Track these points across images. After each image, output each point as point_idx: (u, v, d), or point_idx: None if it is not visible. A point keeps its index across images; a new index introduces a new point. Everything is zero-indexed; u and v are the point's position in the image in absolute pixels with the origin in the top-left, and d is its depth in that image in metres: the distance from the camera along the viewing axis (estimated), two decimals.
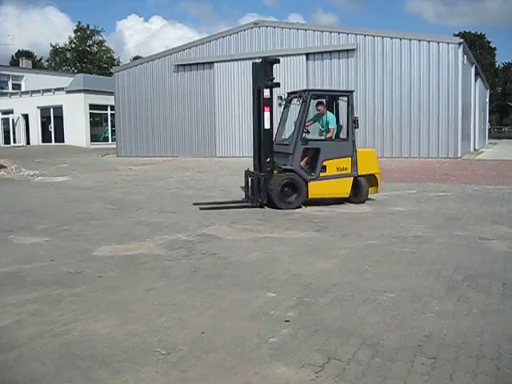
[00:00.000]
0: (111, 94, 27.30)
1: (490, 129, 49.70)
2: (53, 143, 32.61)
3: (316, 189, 9.50)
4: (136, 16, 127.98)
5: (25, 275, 5.00)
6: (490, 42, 68.01)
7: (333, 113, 10.26)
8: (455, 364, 3.06)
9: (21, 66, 45.79)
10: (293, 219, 8.23)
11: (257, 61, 10.26)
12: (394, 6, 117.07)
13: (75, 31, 63.53)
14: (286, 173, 9.42)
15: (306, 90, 10.08)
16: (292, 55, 21.67)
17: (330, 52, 21.04)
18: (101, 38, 64.78)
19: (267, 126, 9.41)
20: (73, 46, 63.36)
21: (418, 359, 3.12)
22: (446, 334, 3.50)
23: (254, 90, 9.74)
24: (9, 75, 40.90)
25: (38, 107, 33.39)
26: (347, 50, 20.68)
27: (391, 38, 20.07)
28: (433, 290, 4.47)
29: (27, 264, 5.41)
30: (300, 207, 9.28)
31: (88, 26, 63.27)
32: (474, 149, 26.15)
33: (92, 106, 32.10)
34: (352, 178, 9.68)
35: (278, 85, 9.59)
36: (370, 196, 10.14)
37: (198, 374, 2.97)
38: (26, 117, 34.31)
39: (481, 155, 22.70)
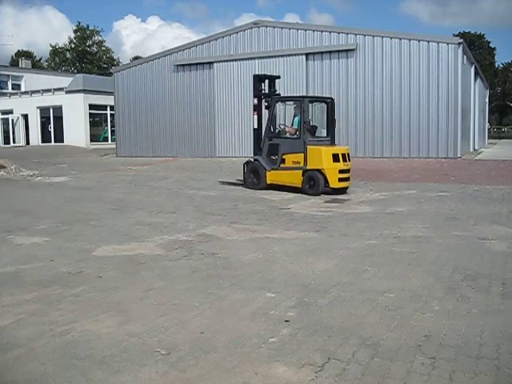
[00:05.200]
0: (111, 94, 27.28)
1: (489, 129, 49.69)
2: (52, 143, 32.58)
3: (273, 176, 11.98)
4: (133, 16, 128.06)
5: (24, 275, 5.00)
6: (489, 42, 68.08)
7: (301, 115, 11.72)
8: (455, 364, 3.06)
9: (20, 66, 45.73)
10: (292, 219, 8.23)
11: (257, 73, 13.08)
12: (388, 7, 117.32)
13: (75, 31, 63.54)
14: (254, 162, 12.42)
15: (270, 97, 12.44)
16: (292, 55, 21.66)
17: (330, 52, 21.03)
18: (100, 38, 64.83)
19: (255, 126, 12.50)
20: (72, 46, 63.34)
21: (418, 359, 3.12)
22: (445, 333, 3.50)
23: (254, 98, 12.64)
24: (8, 75, 40.85)
25: (38, 107, 33.36)
26: (347, 50, 20.66)
27: (391, 37, 20.06)
28: (432, 290, 4.47)
29: (27, 264, 5.41)
30: (266, 189, 11.87)
31: (88, 26, 63.30)
32: (474, 149, 26.15)
33: (92, 106, 32.07)
34: (302, 170, 11.41)
35: (268, 95, 12.47)
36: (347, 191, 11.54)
37: (198, 374, 2.97)
38: (25, 117, 34.28)
39: (480, 155, 22.70)
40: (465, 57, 20.96)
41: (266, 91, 12.71)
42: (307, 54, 21.44)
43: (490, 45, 68.07)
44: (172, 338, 3.47)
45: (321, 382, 2.87)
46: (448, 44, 19.32)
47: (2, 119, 36.01)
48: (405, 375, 2.93)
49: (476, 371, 2.97)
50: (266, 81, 12.89)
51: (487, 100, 39.82)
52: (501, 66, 71.16)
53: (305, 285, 4.63)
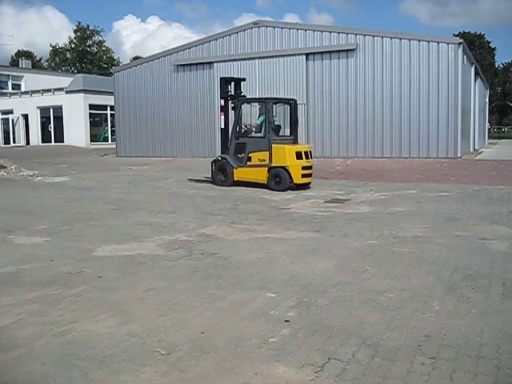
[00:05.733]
0: (111, 94, 27.27)
1: (489, 129, 49.67)
2: (52, 143, 32.57)
3: (240, 174, 12.66)
4: (133, 16, 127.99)
5: (24, 275, 5.00)
6: (489, 42, 68.02)
7: (266, 115, 12.51)
8: (455, 364, 3.06)
9: (20, 66, 45.72)
10: (292, 219, 8.23)
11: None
12: (387, 7, 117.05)
13: (75, 31, 63.52)
14: (221, 160, 13.08)
15: (236, 98, 13.16)
16: (292, 55, 21.66)
17: (330, 52, 21.03)
18: (100, 39, 64.81)
19: (222, 126, 13.25)
20: (72, 46, 63.33)
21: (418, 359, 3.12)
22: (445, 333, 3.50)
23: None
24: (8, 75, 40.84)
25: (38, 107, 33.35)
26: (347, 50, 20.66)
27: (391, 37, 20.06)
28: (432, 290, 4.47)
29: (27, 264, 5.41)
30: (233, 186, 12.53)
31: (88, 26, 63.28)
32: (474, 149, 26.14)
33: (92, 106, 32.06)
34: (267, 167, 12.14)
35: (234, 96, 13.27)
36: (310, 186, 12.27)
37: (198, 374, 2.97)
38: (25, 117, 34.28)
39: (480, 155, 22.69)
40: (465, 57, 20.95)
41: (233, 93, 13.51)
42: (307, 54, 21.44)
43: (490, 45, 68.07)
44: (172, 338, 3.47)
45: (321, 382, 2.87)
46: (448, 44, 19.32)
47: (2, 119, 36.01)
48: (405, 375, 2.93)
49: (476, 371, 2.97)
50: (233, 83, 13.78)
51: (487, 100, 39.81)
52: (501, 66, 71.18)
53: (305, 285, 4.63)
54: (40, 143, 33.45)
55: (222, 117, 13.25)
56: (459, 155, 19.47)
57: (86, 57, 62.87)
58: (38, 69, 50.09)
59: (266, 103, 12.50)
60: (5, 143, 35.47)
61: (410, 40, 19.77)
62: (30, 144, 33.87)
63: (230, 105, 13.27)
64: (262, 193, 11.65)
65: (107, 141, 33.07)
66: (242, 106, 12.94)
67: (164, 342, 3.41)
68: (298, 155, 12.09)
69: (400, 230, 7.18)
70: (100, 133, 34.22)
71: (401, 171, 15.85)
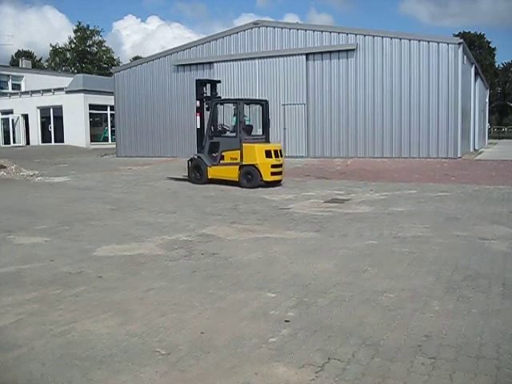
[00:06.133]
0: (111, 94, 27.28)
1: (489, 129, 49.66)
2: (52, 143, 32.57)
3: (214, 172, 13.22)
4: (133, 16, 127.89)
5: (24, 275, 5.00)
6: (489, 43, 67.99)
7: (238, 115, 13.19)
8: (455, 364, 3.06)
9: (20, 66, 45.71)
10: (292, 219, 8.23)
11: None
12: (387, 7, 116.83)
13: (75, 31, 63.51)
14: (197, 159, 13.65)
15: (210, 99, 13.75)
16: (292, 55, 21.66)
17: (330, 52, 21.03)
18: (100, 39, 64.80)
19: (198, 126, 13.84)
20: (72, 46, 63.32)
21: (418, 359, 3.11)
22: (445, 333, 3.50)
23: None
24: (8, 75, 40.83)
25: (38, 107, 33.35)
26: (347, 50, 20.66)
27: (391, 38, 20.06)
28: (432, 290, 4.47)
29: (27, 264, 5.41)
30: (208, 183, 13.10)
31: (88, 27, 63.28)
32: (474, 149, 26.14)
33: (92, 106, 32.05)
34: (239, 166, 12.69)
35: (208, 98, 13.82)
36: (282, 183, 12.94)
37: (198, 374, 2.97)
38: (25, 117, 34.27)
39: (480, 155, 22.69)
40: (465, 57, 20.95)
41: (209, 94, 14.12)
42: (307, 54, 21.44)
43: (490, 45, 68.06)
44: (172, 338, 3.47)
45: (321, 382, 2.87)
46: (448, 44, 19.32)
47: (2, 119, 36.00)
48: (405, 375, 2.93)
49: (476, 371, 2.97)
50: (208, 85, 14.41)
51: (487, 100, 39.81)
52: (501, 66, 71.17)
53: (305, 285, 4.63)
54: (40, 143, 33.44)
55: (198, 117, 13.87)
56: (459, 155, 19.47)
57: (86, 57, 62.86)
58: (38, 69, 50.08)
59: (237, 104, 13.16)
60: (5, 143, 35.46)
61: (410, 40, 19.77)
62: (30, 144, 33.87)
63: (205, 106, 13.85)
64: (261, 193, 11.66)
65: (107, 141, 33.06)
66: (218, 107, 13.60)
67: (164, 342, 3.41)
68: (268, 154, 12.67)
69: (400, 230, 7.18)
70: (100, 133, 34.21)
71: (401, 171, 15.85)
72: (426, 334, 3.50)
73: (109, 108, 31.77)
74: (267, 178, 12.64)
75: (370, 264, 5.33)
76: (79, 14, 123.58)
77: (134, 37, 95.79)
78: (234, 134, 13.14)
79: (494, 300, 4.20)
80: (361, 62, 20.49)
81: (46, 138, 33.67)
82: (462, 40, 19.92)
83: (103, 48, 64.95)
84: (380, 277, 4.87)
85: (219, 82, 15.34)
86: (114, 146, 27.46)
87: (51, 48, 63.57)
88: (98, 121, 34.10)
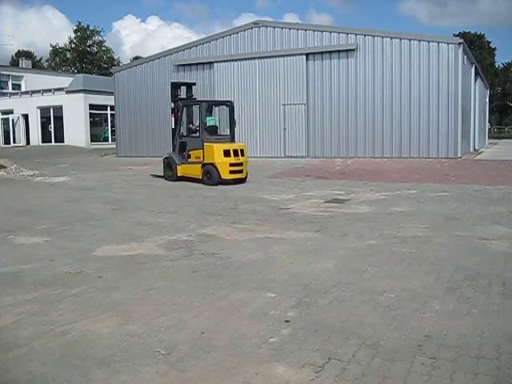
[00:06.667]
0: (111, 94, 27.27)
1: (489, 129, 49.65)
2: (53, 143, 32.56)
3: (183, 169, 14.05)
4: (133, 16, 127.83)
5: (24, 275, 5.00)
6: (489, 43, 68.00)
7: (211, 115, 14.30)
8: (455, 364, 3.06)
9: (21, 66, 45.69)
10: (292, 219, 8.23)
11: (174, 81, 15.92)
12: (387, 7, 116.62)
13: (75, 31, 63.48)
14: (169, 158, 14.46)
15: (179, 101, 14.43)
16: (292, 55, 21.66)
17: (330, 52, 21.03)
18: (101, 39, 64.77)
19: (173, 126, 14.50)
20: (73, 46, 63.30)
21: (418, 359, 3.11)
22: (445, 334, 3.50)
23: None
24: (9, 75, 40.81)
25: (38, 107, 33.34)
26: (347, 50, 20.66)
27: (391, 38, 20.07)
28: (433, 290, 4.47)
29: (27, 264, 5.41)
30: (178, 180, 13.88)
31: (88, 27, 63.25)
32: (474, 149, 26.14)
33: (92, 106, 32.05)
34: (201, 164, 13.43)
35: (180, 100, 14.49)
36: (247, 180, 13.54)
37: (198, 374, 2.97)
38: (25, 117, 34.27)
39: (481, 155, 22.69)
40: (465, 57, 20.95)
41: (184, 96, 14.95)
42: (307, 54, 21.44)
43: (490, 45, 68.06)
44: (172, 337, 3.47)
45: (321, 382, 2.87)
46: (448, 44, 19.32)
47: (3, 119, 36.00)
48: (405, 375, 2.93)
49: (476, 371, 2.97)
50: (183, 87, 15.27)
51: (487, 100, 39.81)
52: (501, 66, 71.16)
53: (305, 285, 4.63)
54: (40, 143, 33.44)
55: (173, 118, 14.53)
56: (459, 155, 19.48)
57: (86, 57, 62.82)
58: (38, 69, 50.06)
59: (199, 105, 13.79)
60: (5, 143, 35.46)
61: (410, 40, 19.77)
62: (30, 144, 33.86)
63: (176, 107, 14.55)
64: (261, 193, 11.66)
65: (107, 141, 33.06)
66: (184, 108, 14.29)
67: (164, 341, 3.41)
68: (226, 153, 13.18)
69: (400, 230, 7.18)
70: (100, 133, 34.21)
71: (401, 171, 15.85)
72: (426, 334, 3.50)
73: (109, 108, 31.76)
74: (225, 176, 13.16)
75: (370, 264, 5.33)
76: (79, 14, 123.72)
77: (134, 37, 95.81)
78: (197, 134, 13.80)
79: (494, 300, 4.20)
80: (361, 62, 20.49)
81: (46, 137, 33.66)
82: (462, 40, 19.92)
83: (103, 48, 64.92)
84: (380, 277, 4.87)
85: (194, 84, 16.15)
86: (114, 145, 27.46)
87: (51, 48, 63.58)
88: (98, 121, 34.10)
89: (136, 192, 12.05)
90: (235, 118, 14.63)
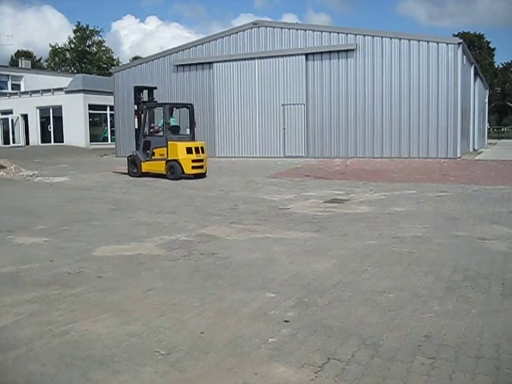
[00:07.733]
0: (110, 94, 27.28)
1: (489, 129, 49.67)
2: (52, 143, 32.55)
3: (147, 166, 15.28)
4: (132, 16, 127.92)
5: (24, 275, 4.99)
6: (489, 43, 68.10)
7: (172, 116, 15.65)
8: (454, 364, 3.06)
9: (20, 66, 45.66)
10: (292, 219, 8.23)
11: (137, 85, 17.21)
12: (385, 7, 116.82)
13: (75, 31, 63.51)
14: (133, 156, 15.67)
15: (143, 103, 15.76)
16: (291, 55, 21.68)
17: (330, 52, 21.05)
18: (100, 39, 64.79)
19: (136, 126, 15.86)
20: (72, 46, 63.31)
21: (418, 359, 3.11)
22: (445, 334, 3.50)
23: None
24: (8, 75, 40.79)
25: (38, 107, 33.33)
26: (347, 50, 20.68)
27: (390, 38, 20.08)
28: (432, 290, 4.47)
29: (26, 264, 5.40)
30: (141, 177, 15.03)
31: (87, 27, 63.28)
32: (474, 149, 26.16)
33: (91, 106, 32.03)
34: (165, 161, 14.65)
35: (144, 102, 15.79)
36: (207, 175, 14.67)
37: (198, 374, 2.97)
38: (25, 117, 34.25)
39: (480, 155, 22.71)
40: (464, 57, 20.97)
41: (146, 99, 16.13)
42: (307, 54, 21.46)
43: (490, 45, 68.12)
44: (172, 338, 3.47)
45: (320, 382, 2.87)
46: (448, 44, 19.34)
47: (2, 119, 35.98)
48: (405, 375, 2.93)
49: (476, 371, 2.97)
50: (146, 91, 16.45)
51: (487, 100, 39.85)
52: (500, 66, 71.22)
53: (305, 285, 4.63)
54: (40, 143, 33.43)
55: (136, 119, 15.94)
56: (459, 155, 19.50)
57: (85, 57, 62.85)
58: (38, 69, 50.03)
59: (163, 107, 15.03)
60: (4, 143, 35.44)
61: (409, 40, 19.79)
62: (30, 144, 33.85)
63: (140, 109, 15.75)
64: (261, 193, 11.66)
65: (107, 141, 33.05)
66: (147, 110, 15.55)
67: (164, 342, 3.40)
68: (189, 150, 14.49)
69: (400, 230, 7.18)
70: (100, 133, 34.20)
71: (400, 171, 15.86)
72: (426, 334, 3.50)
73: (108, 108, 31.76)
74: (188, 171, 14.48)
75: (370, 264, 5.33)
76: (78, 14, 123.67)
77: (133, 37, 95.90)
78: (161, 134, 15.04)
79: (494, 300, 4.20)
80: (360, 62, 20.51)
81: (45, 138, 33.65)
82: (461, 40, 19.94)
83: (103, 48, 64.97)
84: (379, 277, 4.87)
85: (155, 88, 17.29)
86: (114, 146, 27.45)
87: (51, 48, 63.61)
88: (97, 121, 34.08)
89: (136, 192, 12.05)
90: (195, 120, 16.16)
